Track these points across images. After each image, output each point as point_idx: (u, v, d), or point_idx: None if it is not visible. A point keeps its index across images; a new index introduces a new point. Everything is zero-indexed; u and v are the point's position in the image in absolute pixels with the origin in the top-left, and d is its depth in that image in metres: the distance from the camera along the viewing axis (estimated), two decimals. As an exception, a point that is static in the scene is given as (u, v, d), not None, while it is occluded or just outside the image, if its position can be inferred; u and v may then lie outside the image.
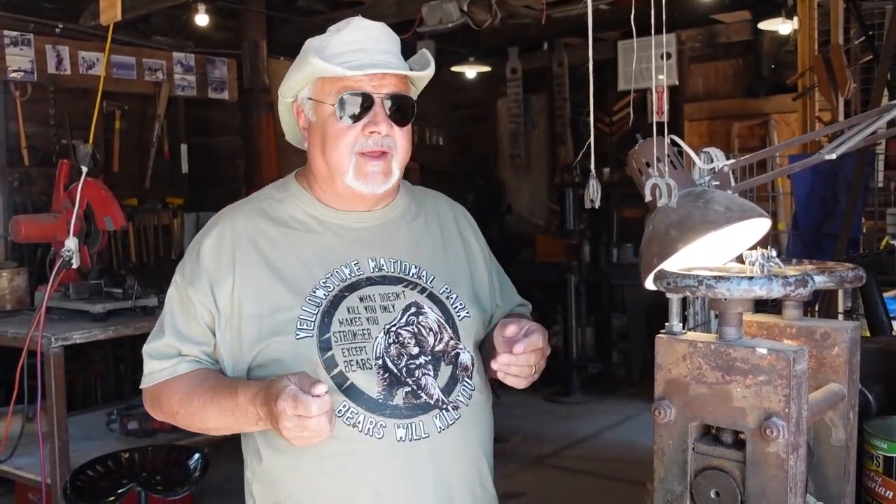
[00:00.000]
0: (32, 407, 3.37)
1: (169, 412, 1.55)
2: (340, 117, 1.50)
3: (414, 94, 1.60)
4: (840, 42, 4.27)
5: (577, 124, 8.07)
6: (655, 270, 1.16)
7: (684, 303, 2.11)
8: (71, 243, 3.59)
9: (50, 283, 3.45)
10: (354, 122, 1.50)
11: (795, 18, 4.97)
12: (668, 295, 1.13)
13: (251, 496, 1.60)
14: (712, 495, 1.09)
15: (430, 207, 1.70)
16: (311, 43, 1.55)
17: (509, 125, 8.49)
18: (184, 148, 6.57)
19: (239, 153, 7.00)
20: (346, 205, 1.58)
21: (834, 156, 1.32)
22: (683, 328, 1.15)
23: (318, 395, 1.28)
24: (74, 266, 3.64)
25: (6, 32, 5.44)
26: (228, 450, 5.36)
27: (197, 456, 3.11)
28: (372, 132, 1.50)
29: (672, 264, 1.18)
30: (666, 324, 1.14)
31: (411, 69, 1.55)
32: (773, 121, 6.95)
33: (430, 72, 1.55)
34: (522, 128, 8.42)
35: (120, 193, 4.43)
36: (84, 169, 3.61)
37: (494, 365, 1.44)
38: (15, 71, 5.49)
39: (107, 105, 5.95)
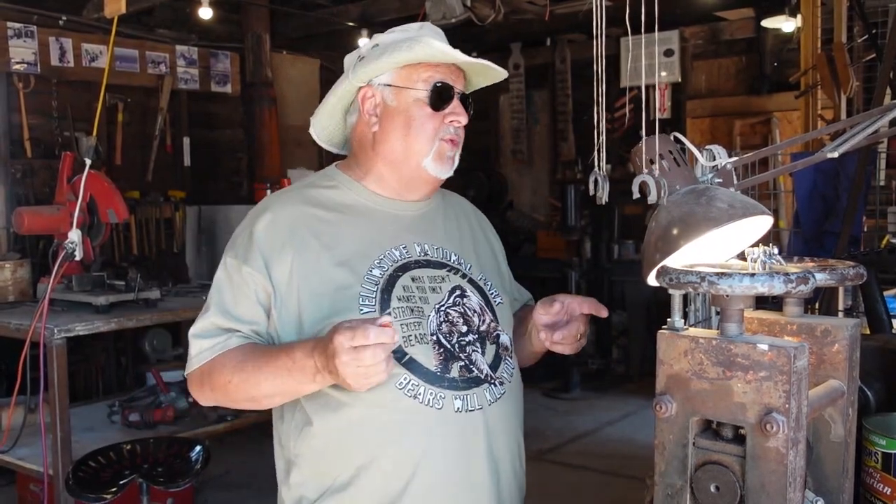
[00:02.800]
0: (35, 398, 3.38)
1: (220, 384, 1.53)
2: (431, 103, 1.59)
3: None
4: (843, 40, 4.27)
5: (578, 121, 8.08)
6: (658, 267, 1.17)
7: (685, 299, 2.12)
8: (74, 235, 3.60)
9: (53, 275, 3.46)
10: (440, 110, 1.60)
11: (799, 16, 4.97)
12: (671, 291, 1.14)
13: (287, 485, 1.60)
14: (712, 489, 1.10)
15: (456, 207, 1.81)
16: (396, 34, 1.63)
17: (511, 121, 8.49)
18: (186, 141, 6.57)
19: (241, 147, 7.01)
20: (394, 193, 1.66)
21: (836, 154, 1.33)
22: (685, 324, 1.16)
23: (382, 325, 1.33)
24: (77, 258, 3.65)
25: (10, 24, 5.44)
26: (229, 443, 5.39)
27: (198, 448, 3.13)
28: (452, 121, 1.61)
29: (674, 261, 1.19)
30: (668, 320, 1.15)
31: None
32: (776, 119, 6.95)
33: (499, 73, 1.69)
34: (524, 123, 8.43)
35: (122, 186, 4.43)
36: (87, 161, 3.63)
37: (547, 337, 1.59)
38: (18, 63, 5.49)
39: (109, 98, 5.95)
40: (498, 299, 1.68)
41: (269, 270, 1.54)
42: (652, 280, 1.21)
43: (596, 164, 1.27)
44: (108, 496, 2.86)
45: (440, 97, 1.59)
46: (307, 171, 7.43)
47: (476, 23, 5.58)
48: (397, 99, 1.60)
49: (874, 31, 4.19)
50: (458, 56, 1.59)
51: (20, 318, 3.57)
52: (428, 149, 1.60)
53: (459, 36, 6.98)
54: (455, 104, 1.61)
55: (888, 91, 3.49)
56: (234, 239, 1.63)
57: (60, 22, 5.67)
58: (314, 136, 1.76)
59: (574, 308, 1.59)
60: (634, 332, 7.02)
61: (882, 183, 4.03)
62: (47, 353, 3.29)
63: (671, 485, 1.13)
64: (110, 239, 5.62)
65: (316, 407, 1.54)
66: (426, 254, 1.63)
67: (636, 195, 1.23)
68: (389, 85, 1.60)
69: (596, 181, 1.30)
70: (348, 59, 1.69)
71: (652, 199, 1.21)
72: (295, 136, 7.38)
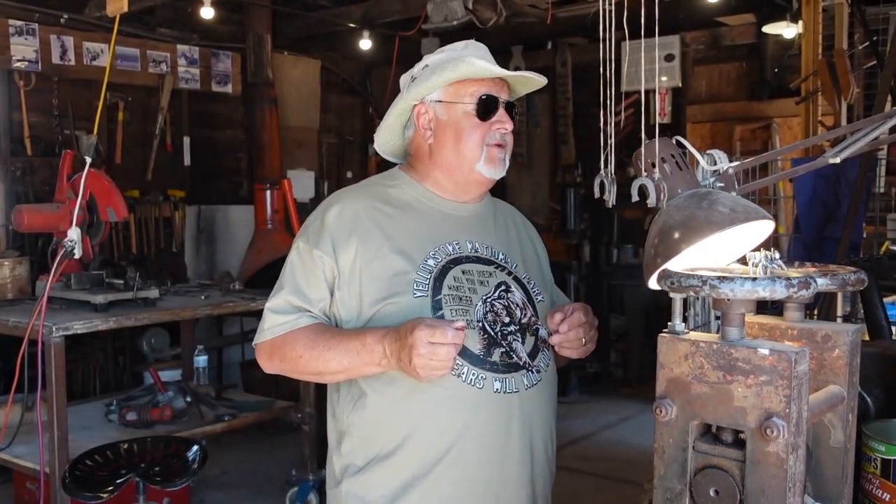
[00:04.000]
0: (32, 396, 3.37)
1: (291, 357, 1.71)
2: (478, 115, 1.75)
3: None
4: (844, 46, 4.28)
5: (579, 124, 8.08)
6: (659, 270, 1.17)
7: (685, 304, 2.12)
8: (73, 233, 3.60)
9: (52, 273, 3.46)
10: (486, 119, 1.76)
11: (800, 22, 4.97)
12: (672, 294, 1.13)
13: (338, 453, 1.76)
14: (712, 494, 1.09)
15: (507, 214, 1.97)
16: (444, 54, 1.81)
17: (512, 123, 8.48)
18: (186, 141, 6.57)
19: (241, 147, 7.00)
20: (450, 194, 1.82)
21: (838, 159, 1.33)
22: (685, 328, 1.16)
23: (456, 327, 1.52)
24: (76, 256, 3.65)
25: (11, 22, 5.44)
26: (226, 443, 5.37)
27: (195, 448, 3.12)
28: (499, 128, 1.77)
29: (675, 264, 1.19)
30: (668, 323, 1.15)
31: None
32: (776, 124, 6.95)
33: (540, 81, 1.83)
34: (525, 126, 8.43)
35: (122, 185, 4.41)
36: (88, 160, 3.62)
37: (551, 341, 1.71)
38: (19, 60, 5.49)
39: (110, 96, 5.95)
40: (539, 297, 1.81)
41: (336, 254, 1.71)
42: (653, 283, 1.21)
43: (603, 166, 1.26)
44: (105, 495, 2.85)
45: (486, 108, 1.75)
46: (307, 172, 7.44)
47: (477, 25, 5.59)
48: (448, 113, 1.77)
49: (875, 38, 4.20)
50: (498, 71, 1.75)
51: (19, 315, 3.56)
52: (478, 154, 1.76)
53: (461, 39, 7.00)
54: (500, 113, 1.76)
55: (889, 98, 3.50)
56: (306, 227, 1.80)
57: (62, 20, 5.67)
58: (378, 150, 1.93)
59: (575, 316, 1.70)
60: (633, 335, 7.02)
61: (881, 190, 4.04)
62: (45, 350, 3.28)
63: (670, 489, 1.13)
64: (109, 237, 5.62)
65: (371, 380, 1.69)
66: (476, 251, 1.79)
67: (635, 198, 1.23)
68: (440, 101, 1.78)
69: (602, 184, 1.30)
70: (403, 80, 1.86)
71: (651, 202, 1.21)
72: (295, 136, 7.37)
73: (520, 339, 1.72)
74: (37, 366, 3.27)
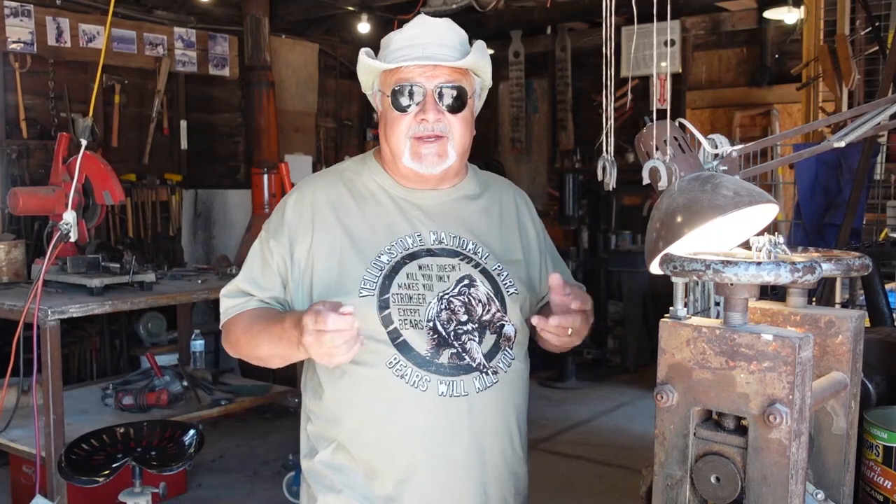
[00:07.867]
0: (28, 380, 3.37)
1: (234, 341, 1.72)
2: (394, 106, 1.66)
3: (478, 83, 1.73)
4: (846, 32, 4.25)
5: (578, 110, 8.05)
6: (661, 254, 1.15)
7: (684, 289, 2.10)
8: (69, 217, 3.57)
9: (47, 257, 3.44)
10: (406, 110, 1.65)
11: (801, 7, 4.94)
12: (674, 279, 1.12)
13: (305, 433, 1.77)
14: (713, 480, 1.08)
15: (494, 192, 1.83)
16: (382, 41, 1.73)
17: (510, 109, 8.46)
18: (183, 124, 6.53)
19: (239, 130, 6.97)
20: (413, 183, 1.73)
21: (843, 143, 1.31)
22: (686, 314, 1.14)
23: (342, 314, 1.42)
24: (72, 240, 3.62)
25: (6, 3, 5.40)
26: (223, 427, 5.35)
27: (192, 432, 3.11)
28: (422, 119, 1.65)
29: (677, 249, 1.17)
30: (670, 308, 1.13)
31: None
32: (776, 111, 6.93)
33: (470, 60, 1.66)
34: (524, 112, 8.40)
35: (118, 168, 4.39)
36: (83, 142, 3.59)
37: (533, 321, 1.56)
38: (15, 42, 5.44)
39: (106, 79, 5.91)
40: (512, 290, 1.70)
41: (291, 247, 1.69)
42: (655, 268, 1.19)
43: (604, 148, 1.24)
44: (101, 479, 2.84)
45: (404, 98, 1.64)
46: (305, 157, 7.41)
47: (477, 9, 5.55)
48: (381, 103, 1.72)
49: (877, 24, 4.17)
50: (375, 64, 1.65)
51: (14, 299, 3.55)
52: (402, 148, 1.67)
53: (460, 22, 6.96)
54: (425, 101, 1.63)
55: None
56: (272, 216, 1.78)
57: (58, 1, 5.63)
58: None
59: (565, 301, 1.55)
60: (630, 322, 7.01)
61: (881, 177, 4.02)
62: (41, 334, 3.27)
63: (671, 475, 1.12)
64: (106, 221, 5.60)
65: (325, 373, 1.68)
66: (441, 241, 1.70)
67: (646, 181, 1.21)
68: (380, 90, 1.72)
69: (604, 167, 1.28)
70: None
71: (663, 185, 1.19)
72: (293, 120, 7.34)
73: (476, 339, 1.63)
74: (33, 349, 3.26)
